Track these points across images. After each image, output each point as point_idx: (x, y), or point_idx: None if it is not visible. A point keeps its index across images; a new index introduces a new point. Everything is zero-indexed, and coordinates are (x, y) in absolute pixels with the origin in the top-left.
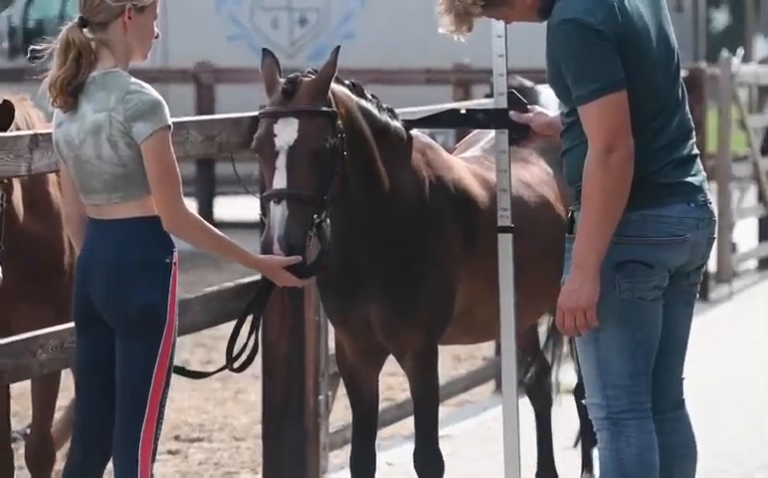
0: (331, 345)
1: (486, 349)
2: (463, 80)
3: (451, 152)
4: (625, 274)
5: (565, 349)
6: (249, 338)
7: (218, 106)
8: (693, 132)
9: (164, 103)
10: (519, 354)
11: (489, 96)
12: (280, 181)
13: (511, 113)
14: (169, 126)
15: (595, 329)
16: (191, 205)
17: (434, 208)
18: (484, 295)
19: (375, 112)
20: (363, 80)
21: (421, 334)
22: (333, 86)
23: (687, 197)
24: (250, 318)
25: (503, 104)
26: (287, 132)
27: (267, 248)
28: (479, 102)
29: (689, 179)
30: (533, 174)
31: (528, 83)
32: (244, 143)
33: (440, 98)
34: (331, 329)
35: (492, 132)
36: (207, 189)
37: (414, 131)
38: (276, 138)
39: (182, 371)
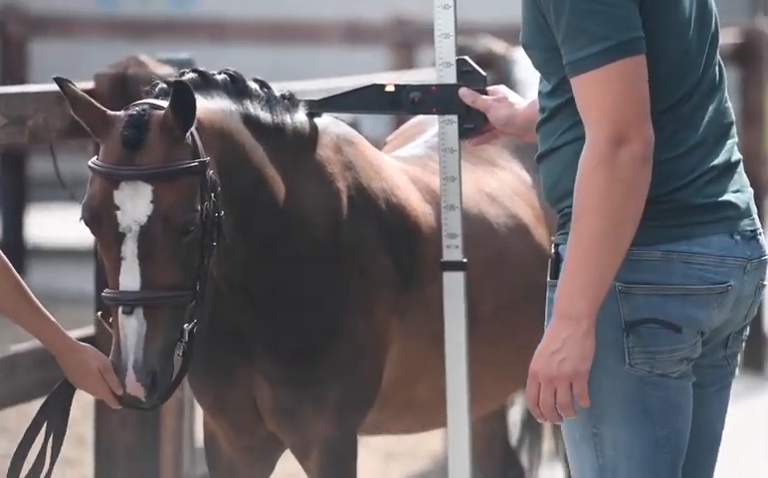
0: (200, 435)
1: (434, 441)
2: (404, 40)
3: (381, 149)
4: (639, 339)
5: (550, 444)
6: (46, 457)
7: (33, 71)
8: (734, 128)
9: None
10: (478, 450)
11: None
12: (130, 280)
13: (462, 91)
14: None
15: (595, 420)
16: None
17: (352, 235)
18: (428, 362)
19: (265, 115)
20: (256, 37)
21: (330, 420)
22: (200, 106)
23: (730, 226)
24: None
25: (451, 78)
26: (135, 206)
27: (118, 375)
28: (419, 74)
29: (730, 198)
30: (503, 183)
31: (500, 47)
32: (71, 130)
33: (369, 65)
34: (200, 411)
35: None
36: (15, 197)
37: (323, 119)
38: (118, 213)
39: None
